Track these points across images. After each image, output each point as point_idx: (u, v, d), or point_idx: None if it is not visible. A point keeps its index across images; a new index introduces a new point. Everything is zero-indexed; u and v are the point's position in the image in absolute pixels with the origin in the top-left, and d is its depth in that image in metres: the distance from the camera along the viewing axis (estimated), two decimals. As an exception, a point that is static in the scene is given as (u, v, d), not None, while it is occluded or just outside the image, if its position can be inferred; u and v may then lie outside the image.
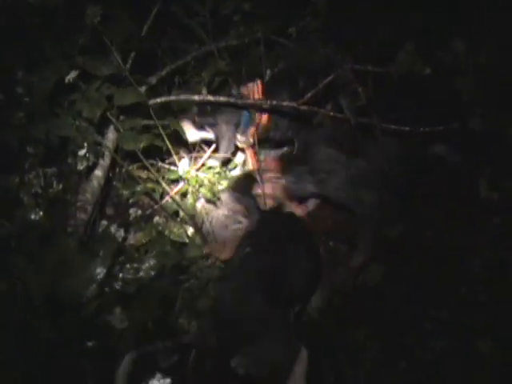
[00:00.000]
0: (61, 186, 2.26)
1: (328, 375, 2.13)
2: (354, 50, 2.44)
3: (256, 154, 2.59)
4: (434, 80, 2.12)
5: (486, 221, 2.40)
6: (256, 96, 2.47)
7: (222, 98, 2.42)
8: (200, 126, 2.56)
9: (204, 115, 2.54)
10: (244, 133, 2.54)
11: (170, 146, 2.37)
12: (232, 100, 2.42)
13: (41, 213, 2.15)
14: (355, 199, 2.34)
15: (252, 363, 1.67)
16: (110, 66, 2.21)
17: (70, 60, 2.17)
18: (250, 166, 2.62)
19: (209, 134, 2.59)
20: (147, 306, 2.01)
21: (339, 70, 2.25)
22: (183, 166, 2.52)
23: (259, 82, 2.50)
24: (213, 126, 2.57)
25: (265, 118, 2.52)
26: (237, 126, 2.55)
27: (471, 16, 2.32)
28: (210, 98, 2.44)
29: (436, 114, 2.27)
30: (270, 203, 2.46)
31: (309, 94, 2.29)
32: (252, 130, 2.53)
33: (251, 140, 2.54)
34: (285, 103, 2.35)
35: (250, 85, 2.51)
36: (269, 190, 2.46)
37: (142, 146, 2.25)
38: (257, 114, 2.51)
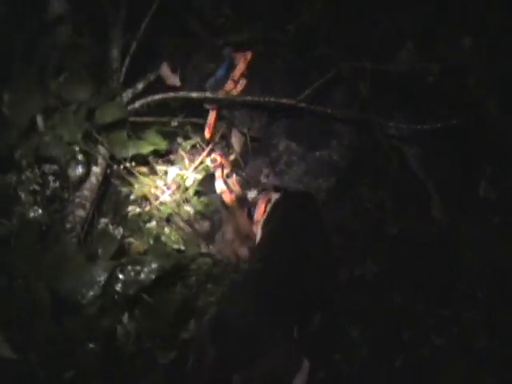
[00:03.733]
0: (58, 184, 2.26)
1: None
2: (353, 47, 2.43)
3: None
4: (440, 79, 2.12)
5: (486, 220, 2.41)
6: (242, 66, 2.41)
7: (220, 96, 2.41)
8: (173, 69, 2.50)
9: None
10: (217, 84, 2.44)
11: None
12: (229, 98, 2.41)
13: (39, 210, 2.15)
14: (310, 188, 2.42)
15: (251, 375, 1.65)
16: (86, 89, 2.23)
17: (44, 85, 2.20)
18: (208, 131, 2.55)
19: (175, 80, 2.52)
20: (161, 314, 2.05)
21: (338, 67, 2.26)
22: (173, 172, 2.49)
23: (250, 53, 2.44)
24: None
25: (244, 80, 2.43)
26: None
27: (476, 14, 2.30)
28: (209, 94, 2.43)
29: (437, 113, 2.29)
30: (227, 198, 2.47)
31: (306, 92, 2.29)
32: (229, 84, 2.42)
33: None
34: (283, 100, 2.34)
35: (241, 54, 2.45)
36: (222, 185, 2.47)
37: (130, 154, 2.30)
38: (238, 67, 2.42)
